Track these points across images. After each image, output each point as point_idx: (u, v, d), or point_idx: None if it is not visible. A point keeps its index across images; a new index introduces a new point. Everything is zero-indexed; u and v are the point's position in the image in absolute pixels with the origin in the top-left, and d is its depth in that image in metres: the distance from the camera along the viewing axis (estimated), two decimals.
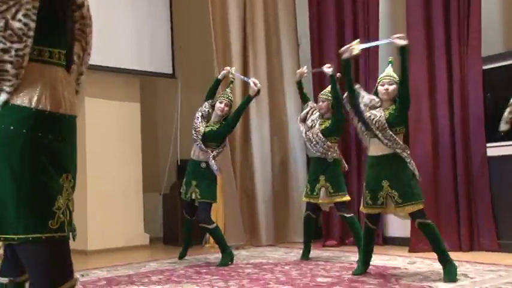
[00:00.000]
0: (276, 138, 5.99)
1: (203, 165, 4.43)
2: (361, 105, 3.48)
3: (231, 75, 4.65)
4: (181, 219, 6.06)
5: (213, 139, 4.45)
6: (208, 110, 4.51)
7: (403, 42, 3.34)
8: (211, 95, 4.59)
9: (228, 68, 4.73)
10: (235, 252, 4.62)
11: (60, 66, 1.52)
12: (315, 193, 4.33)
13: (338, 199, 4.27)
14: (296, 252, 4.95)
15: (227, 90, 4.59)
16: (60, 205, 1.47)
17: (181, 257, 4.71)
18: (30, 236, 1.42)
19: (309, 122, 4.42)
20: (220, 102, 4.47)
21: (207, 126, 4.46)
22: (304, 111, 4.53)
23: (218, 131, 4.46)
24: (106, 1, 5.74)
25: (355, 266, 3.84)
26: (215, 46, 5.73)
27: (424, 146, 4.82)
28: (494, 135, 4.59)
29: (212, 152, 4.42)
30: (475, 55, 4.60)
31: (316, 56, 5.89)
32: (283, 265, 4.20)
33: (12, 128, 1.42)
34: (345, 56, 3.51)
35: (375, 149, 3.47)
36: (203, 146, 4.41)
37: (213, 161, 4.39)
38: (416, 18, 4.94)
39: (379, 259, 4.25)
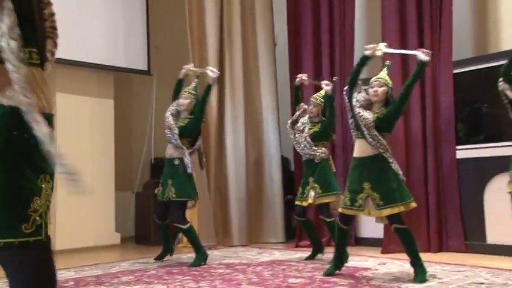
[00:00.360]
0: (250, 137, 5.99)
1: (176, 161, 4.40)
2: (354, 101, 3.49)
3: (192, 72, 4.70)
4: (153, 218, 6.01)
5: (185, 134, 4.44)
6: (176, 109, 4.51)
7: (426, 58, 3.41)
8: (176, 95, 4.59)
9: (187, 66, 4.70)
10: (207, 252, 4.59)
11: (34, 65, 1.48)
12: (304, 195, 4.36)
13: (322, 200, 4.29)
14: (269, 253, 4.96)
15: (192, 85, 4.60)
16: (37, 207, 1.42)
17: (158, 258, 4.60)
18: (1, 241, 1.36)
19: (299, 125, 4.45)
20: (184, 99, 4.48)
21: (176, 124, 4.45)
22: (296, 114, 4.54)
23: (188, 126, 4.45)
24: None
25: (327, 266, 3.86)
26: (191, 44, 5.70)
27: (397, 149, 4.86)
28: (464, 138, 4.69)
29: (187, 149, 4.40)
30: (446, 59, 4.69)
31: (293, 56, 5.91)
32: (256, 266, 4.19)
33: None
34: (367, 53, 3.52)
35: (359, 150, 3.49)
36: (180, 143, 4.37)
37: (188, 158, 4.36)
38: (391, 21, 5.00)
39: (351, 260, 4.28)
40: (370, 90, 3.50)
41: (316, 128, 4.36)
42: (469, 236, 4.58)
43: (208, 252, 4.63)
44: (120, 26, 6.09)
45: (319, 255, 4.49)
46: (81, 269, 4.20)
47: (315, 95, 4.50)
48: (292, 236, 5.83)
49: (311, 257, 4.48)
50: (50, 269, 1.46)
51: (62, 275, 3.93)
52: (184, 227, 4.38)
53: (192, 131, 4.47)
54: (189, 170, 4.37)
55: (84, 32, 5.66)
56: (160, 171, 6.62)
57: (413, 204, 3.43)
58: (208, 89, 4.55)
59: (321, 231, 5.33)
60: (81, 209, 5.63)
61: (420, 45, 4.85)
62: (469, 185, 4.60)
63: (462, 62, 4.75)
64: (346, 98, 3.61)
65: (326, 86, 4.27)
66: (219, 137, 5.84)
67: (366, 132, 3.40)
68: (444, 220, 4.69)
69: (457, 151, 4.67)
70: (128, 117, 7.09)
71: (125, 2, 6.19)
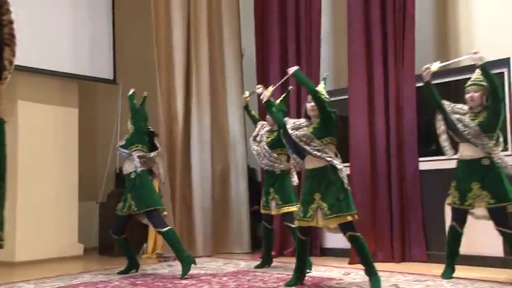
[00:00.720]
0: (217, 147, 5.98)
1: (132, 175, 4.39)
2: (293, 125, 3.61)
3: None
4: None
5: (133, 142, 4.47)
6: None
7: (479, 61, 3.56)
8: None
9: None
10: (172, 263, 4.55)
11: None
12: (268, 205, 4.49)
13: (285, 210, 4.36)
14: (235, 263, 4.94)
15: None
16: None
17: (123, 273, 4.45)
18: None
19: (258, 138, 4.57)
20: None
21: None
22: (256, 130, 4.65)
23: (130, 136, 4.53)
24: (44, 2, 5.56)
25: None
26: (157, 54, 5.68)
27: (362, 160, 4.96)
28: (427, 150, 4.80)
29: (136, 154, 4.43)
30: (409, 73, 4.81)
31: (260, 67, 5.94)
32: (221, 276, 4.17)
33: None
34: (426, 77, 3.75)
35: (309, 162, 3.55)
36: (126, 152, 4.43)
37: (136, 160, 4.37)
38: (356, 36, 5.11)
39: (316, 270, 4.31)
40: (308, 105, 3.63)
41: (273, 136, 4.46)
42: (431, 246, 4.67)
43: (173, 263, 4.59)
44: (85, 34, 6.02)
45: (266, 266, 4.61)
46: (41, 281, 4.08)
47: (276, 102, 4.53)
48: (257, 246, 5.82)
49: (261, 266, 4.59)
50: None
51: None
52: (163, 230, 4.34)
53: (134, 138, 4.52)
54: (138, 169, 4.35)
55: (48, 40, 5.56)
56: (125, 181, 6.54)
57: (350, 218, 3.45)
58: (131, 98, 4.65)
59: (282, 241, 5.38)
60: (43, 219, 5.50)
61: (384, 59, 4.99)
62: (431, 196, 4.70)
63: None
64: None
65: (262, 95, 4.22)
66: (185, 146, 5.80)
67: (308, 148, 3.51)
68: (407, 230, 4.78)
69: (419, 162, 4.77)
70: (93, 126, 6.98)
71: (91, 10, 6.12)
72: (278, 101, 4.45)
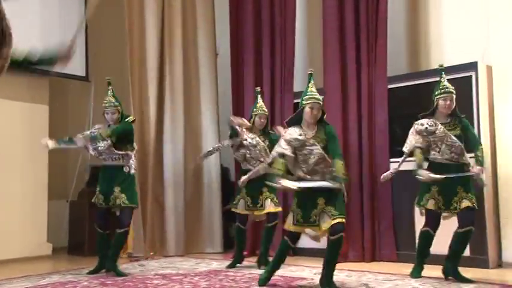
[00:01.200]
0: (190, 146, 5.94)
1: (126, 169, 4.34)
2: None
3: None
4: (88, 227, 5.82)
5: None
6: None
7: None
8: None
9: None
10: (143, 262, 4.51)
11: None
12: (258, 205, 4.50)
13: (279, 208, 4.53)
14: (206, 263, 4.92)
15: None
16: None
17: (92, 272, 4.36)
18: None
19: (249, 142, 4.50)
20: (113, 113, 4.40)
21: None
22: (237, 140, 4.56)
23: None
24: None
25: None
26: (130, 53, 5.62)
27: None
28: (398, 151, 4.87)
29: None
30: (381, 74, 4.89)
31: (235, 66, 5.93)
32: (193, 276, 4.15)
33: None
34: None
35: None
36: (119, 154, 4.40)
37: (133, 158, 4.43)
38: (331, 37, 5.16)
39: (288, 270, 4.34)
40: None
41: (268, 138, 4.56)
42: (401, 245, 4.75)
43: (144, 262, 4.56)
44: (55, 29, 5.90)
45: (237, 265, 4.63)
46: (7, 282, 3.99)
47: (262, 106, 4.60)
48: (230, 246, 5.82)
49: (232, 266, 4.60)
50: None
51: None
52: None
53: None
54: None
55: (16, 34, 5.43)
56: (97, 179, 6.45)
57: None
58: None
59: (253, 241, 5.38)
60: (10, 218, 5.38)
61: (357, 60, 5.05)
62: (401, 196, 4.78)
63: (396, 78, 4.95)
64: None
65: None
66: (157, 146, 5.75)
67: None
68: (378, 230, 4.85)
69: (390, 163, 4.84)
70: (64, 123, 6.85)
71: (61, 7, 6.00)
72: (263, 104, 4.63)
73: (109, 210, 4.35)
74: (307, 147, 3.45)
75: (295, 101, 5.52)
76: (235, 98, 5.92)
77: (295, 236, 3.61)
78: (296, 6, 5.61)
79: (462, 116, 3.83)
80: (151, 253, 5.37)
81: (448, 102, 3.74)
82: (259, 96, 4.68)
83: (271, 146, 4.39)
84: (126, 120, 4.42)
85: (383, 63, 4.89)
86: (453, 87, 3.78)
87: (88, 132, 4.43)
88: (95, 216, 4.54)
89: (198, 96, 6.10)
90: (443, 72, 3.84)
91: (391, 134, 4.87)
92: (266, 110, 4.65)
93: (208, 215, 5.90)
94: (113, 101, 4.39)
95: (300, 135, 3.47)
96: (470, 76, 4.48)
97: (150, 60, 5.76)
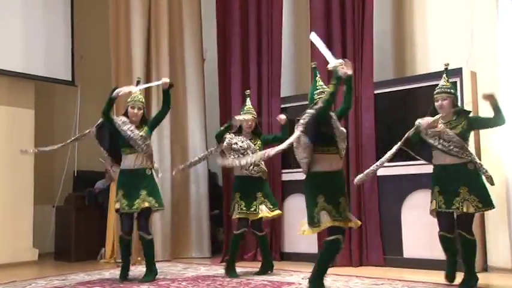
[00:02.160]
0: (177, 151, 5.92)
1: (148, 172, 4.29)
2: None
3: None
4: (75, 233, 5.78)
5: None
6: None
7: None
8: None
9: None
10: (131, 268, 4.48)
11: None
12: (252, 209, 4.36)
13: (276, 213, 4.45)
14: (194, 268, 4.91)
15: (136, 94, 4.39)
16: None
17: (123, 277, 4.28)
18: None
19: (238, 145, 4.40)
20: (132, 108, 4.31)
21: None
22: (226, 142, 4.44)
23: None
24: None
25: (253, 281, 3.92)
26: (115, 57, 5.63)
27: None
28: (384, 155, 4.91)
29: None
30: (367, 80, 4.92)
31: (222, 70, 5.93)
32: (181, 281, 4.14)
33: None
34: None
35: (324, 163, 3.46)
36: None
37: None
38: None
39: (275, 274, 4.35)
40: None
41: (259, 141, 4.49)
42: (388, 250, 4.78)
43: (131, 268, 4.53)
44: (40, 33, 5.87)
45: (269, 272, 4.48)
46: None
47: (249, 108, 4.57)
48: (217, 251, 5.81)
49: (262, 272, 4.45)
50: None
51: None
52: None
53: None
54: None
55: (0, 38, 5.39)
56: (83, 184, 6.39)
57: None
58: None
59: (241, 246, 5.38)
60: None
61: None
62: (388, 201, 4.81)
63: (382, 83, 4.99)
64: None
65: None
66: None
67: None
68: (365, 235, 4.87)
69: None
70: (50, 127, 6.80)
71: (46, 9, 5.97)
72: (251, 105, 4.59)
73: (133, 215, 4.26)
74: None
75: (283, 106, 5.55)
76: (222, 100, 5.91)
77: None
78: (283, 9, 5.63)
79: (469, 112, 3.78)
80: (139, 258, 5.34)
81: (439, 102, 3.66)
82: (248, 99, 4.67)
83: (264, 147, 4.40)
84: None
85: (369, 69, 4.93)
86: (448, 86, 3.68)
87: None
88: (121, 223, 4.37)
89: (184, 100, 6.09)
90: (445, 73, 3.77)
91: (377, 139, 4.91)
92: (254, 112, 4.60)
93: (196, 219, 5.89)
94: (141, 97, 4.38)
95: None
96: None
97: (136, 65, 5.72)
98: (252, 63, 5.70)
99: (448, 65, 3.81)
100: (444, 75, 3.77)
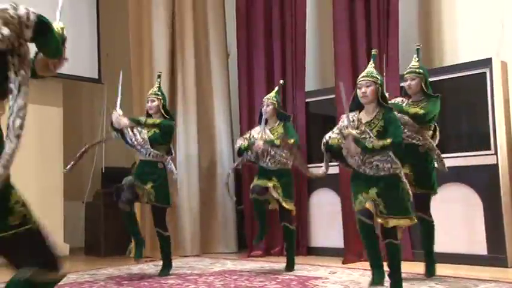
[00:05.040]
0: (204, 146, 5.96)
1: (160, 165, 4.31)
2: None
3: None
4: (104, 228, 5.88)
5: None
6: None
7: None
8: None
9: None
10: (158, 263, 4.54)
11: None
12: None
13: (286, 205, 4.26)
14: (221, 263, 4.94)
15: (155, 86, 4.45)
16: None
17: (139, 255, 4.32)
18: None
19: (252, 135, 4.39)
20: (147, 101, 4.38)
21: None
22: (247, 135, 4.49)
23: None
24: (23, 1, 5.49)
25: (280, 275, 3.93)
26: (136, 55, 5.71)
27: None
28: None
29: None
30: (393, 74, 4.84)
31: (244, 66, 5.93)
32: (208, 276, 4.17)
33: None
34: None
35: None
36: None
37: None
38: (342, 36, 5.14)
39: (302, 269, 4.34)
40: (358, 92, 3.22)
41: (280, 131, 4.30)
42: (416, 244, 4.71)
43: (159, 262, 4.58)
44: (67, 33, 5.95)
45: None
46: None
47: (270, 95, 4.48)
48: (244, 246, 5.84)
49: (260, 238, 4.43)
50: None
51: None
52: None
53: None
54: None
55: None
56: (111, 180, 6.49)
57: None
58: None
59: (268, 241, 5.36)
60: None
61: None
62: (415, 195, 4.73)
63: None
64: None
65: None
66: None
67: None
68: None
69: None
70: (78, 125, 6.92)
71: (74, 9, 6.05)
72: (274, 93, 4.45)
73: (134, 189, 4.19)
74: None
75: (307, 100, 5.53)
76: (243, 94, 5.91)
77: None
78: (306, 5, 5.59)
79: (434, 96, 3.65)
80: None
81: (408, 82, 3.62)
82: (276, 88, 4.58)
83: (285, 135, 4.23)
84: (168, 118, 4.36)
85: (395, 61, 4.85)
86: (417, 66, 3.62)
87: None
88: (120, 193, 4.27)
89: (210, 96, 6.11)
90: (416, 53, 3.73)
91: None
92: (272, 98, 4.38)
93: (223, 214, 5.92)
94: (156, 90, 4.41)
95: (353, 121, 3.23)
96: (485, 73, 4.44)
97: (161, 63, 5.77)
98: (277, 59, 5.68)
99: (419, 45, 3.75)
100: (414, 56, 3.65)
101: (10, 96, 1.64)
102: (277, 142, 4.18)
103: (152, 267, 4.78)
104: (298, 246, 5.37)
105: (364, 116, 3.22)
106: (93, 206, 6.14)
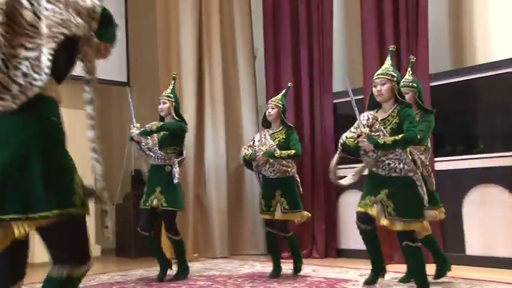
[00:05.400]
0: (231, 147, 5.97)
1: (168, 169, 4.21)
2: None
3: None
4: (134, 230, 5.95)
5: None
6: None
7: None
8: None
9: None
10: (189, 264, 4.55)
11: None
12: (270, 209, 4.08)
13: (292, 217, 4.12)
14: (250, 265, 4.94)
15: (169, 88, 4.41)
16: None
17: (160, 278, 4.16)
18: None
19: (256, 144, 4.23)
20: (164, 103, 4.31)
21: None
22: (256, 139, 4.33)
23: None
24: None
25: (310, 278, 3.89)
26: (164, 56, 5.73)
27: None
28: (442, 150, 4.76)
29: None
30: (423, 72, 4.76)
31: (271, 68, 5.92)
32: (237, 278, 4.18)
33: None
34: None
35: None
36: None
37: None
38: (370, 30, 5.08)
39: (332, 271, 4.30)
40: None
41: (282, 136, 4.13)
42: (449, 247, 4.61)
43: (190, 264, 4.60)
44: None
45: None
46: None
47: (274, 98, 4.32)
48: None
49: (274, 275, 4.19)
50: None
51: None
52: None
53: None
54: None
55: None
56: (140, 182, 6.55)
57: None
58: None
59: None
60: None
61: (397, 56, 4.95)
62: (447, 196, 4.64)
63: (439, 75, 4.83)
64: None
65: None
66: (198, 146, 5.81)
67: None
68: None
69: (435, 163, 4.72)
70: (108, 128, 7.02)
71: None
72: (280, 95, 4.28)
73: (153, 211, 4.19)
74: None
75: (335, 101, 5.48)
76: (271, 96, 5.88)
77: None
78: (333, 5, 5.55)
79: (429, 111, 3.55)
80: (195, 255, 5.43)
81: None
82: (283, 90, 4.42)
83: (288, 145, 4.04)
84: (179, 120, 4.29)
85: (424, 60, 4.76)
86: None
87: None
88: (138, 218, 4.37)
89: (238, 99, 6.12)
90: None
91: (433, 134, 4.74)
92: (277, 100, 4.18)
93: (252, 215, 5.91)
94: (168, 92, 4.36)
95: (368, 119, 3.19)
96: None
97: (188, 66, 5.81)
98: (303, 61, 5.66)
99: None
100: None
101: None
102: (277, 153, 4.00)
103: None
104: (327, 248, 5.33)
105: (381, 114, 3.21)
106: (124, 208, 6.22)
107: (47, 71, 1.66)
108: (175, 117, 4.28)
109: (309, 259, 5.09)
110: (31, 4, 1.66)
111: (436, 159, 4.70)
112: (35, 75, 1.65)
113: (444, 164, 4.68)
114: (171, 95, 4.33)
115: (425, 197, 3.09)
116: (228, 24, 6.14)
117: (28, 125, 1.67)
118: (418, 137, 3.19)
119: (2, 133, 1.65)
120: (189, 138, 5.73)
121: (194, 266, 4.82)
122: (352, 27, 5.68)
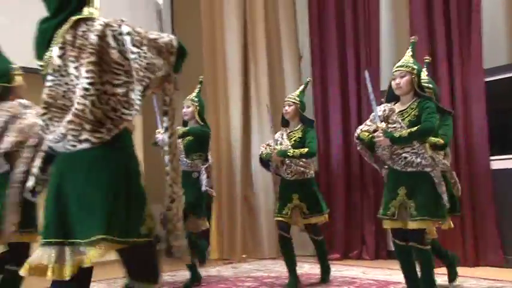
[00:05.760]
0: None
1: (195, 175, 4.10)
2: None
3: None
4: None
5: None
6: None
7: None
8: None
9: None
10: (236, 265, 4.57)
11: None
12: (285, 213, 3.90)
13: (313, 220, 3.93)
14: (298, 266, 4.88)
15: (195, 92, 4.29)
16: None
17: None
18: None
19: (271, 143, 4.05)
20: (187, 107, 4.19)
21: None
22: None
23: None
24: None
25: (359, 280, 3.80)
26: (209, 58, 5.78)
27: None
28: (499, 148, 4.55)
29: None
30: (476, 67, 4.57)
31: (317, 69, 5.85)
32: (284, 279, 4.14)
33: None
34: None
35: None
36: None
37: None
38: (419, 30, 4.92)
39: (382, 273, 4.20)
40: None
41: (298, 135, 3.93)
42: (509, 250, 4.40)
43: (237, 265, 4.60)
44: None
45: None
46: (113, 281, 4.22)
47: (291, 94, 4.15)
48: None
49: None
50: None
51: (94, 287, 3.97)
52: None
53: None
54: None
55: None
56: None
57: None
58: None
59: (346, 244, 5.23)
60: None
61: (449, 54, 4.77)
62: (508, 197, 4.43)
63: (494, 70, 4.61)
64: None
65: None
66: (245, 147, 5.83)
67: None
68: (480, 234, 4.52)
69: (491, 162, 4.52)
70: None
71: (149, 19, 6.24)
72: (298, 92, 4.09)
73: None
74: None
75: (383, 100, 5.34)
76: (318, 98, 5.83)
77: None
78: (381, 6, 5.41)
79: (447, 111, 3.41)
80: (243, 255, 5.43)
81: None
82: (301, 86, 4.23)
83: (304, 144, 3.83)
84: (202, 124, 4.15)
85: (478, 55, 4.55)
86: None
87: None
88: None
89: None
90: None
91: (490, 131, 4.54)
92: (294, 97, 3.99)
93: None
94: (193, 95, 4.24)
95: (384, 111, 3.10)
96: None
97: (234, 69, 5.83)
98: (350, 58, 5.56)
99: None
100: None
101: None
102: (290, 153, 3.80)
103: (230, 269, 4.83)
104: (377, 250, 5.22)
105: (399, 107, 3.10)
106: None
107: (137, 108, 1.81)
108: (199, 122, 4.14)
109: (359, 261, 5.00)
110: (117, 44, 1.81)
111: (491, 157, 4.50)
112: (124, 110, 1.80)
113: (502, 162, 4.47)
114: (195, 99, 4.20)
115: (445, 196, 2.95)
116: (273, 25, 6.08)
117: (117, 155, 1.83)
118: (442, 142, 3.11)
119: (94, 163, 1.79)
120: (236, 138, 5.76)
121: (242, 267, 4.82)
122: (400, 25, 5.51)
